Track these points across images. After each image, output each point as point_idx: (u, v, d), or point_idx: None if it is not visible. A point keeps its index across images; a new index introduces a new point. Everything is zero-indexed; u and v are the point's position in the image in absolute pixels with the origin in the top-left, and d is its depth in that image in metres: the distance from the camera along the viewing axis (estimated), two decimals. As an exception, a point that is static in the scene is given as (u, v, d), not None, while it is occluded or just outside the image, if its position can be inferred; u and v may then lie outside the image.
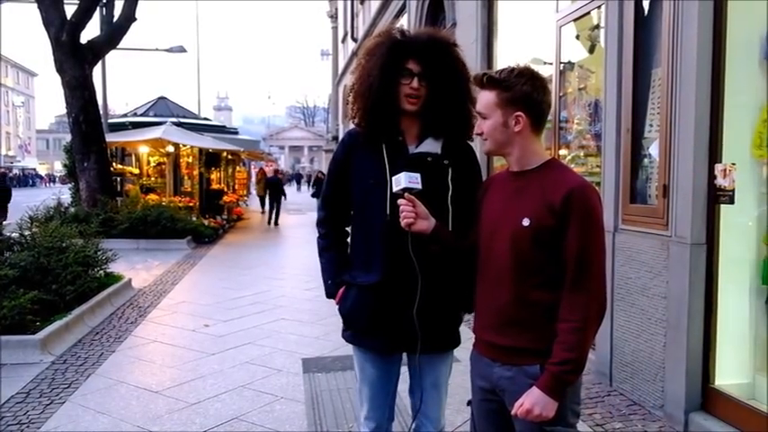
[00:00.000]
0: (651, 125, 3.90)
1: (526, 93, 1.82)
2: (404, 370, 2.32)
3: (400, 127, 2.17)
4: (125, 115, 21.51)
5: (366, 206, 2.19)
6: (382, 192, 2.11)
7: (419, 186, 1.98)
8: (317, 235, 2.38)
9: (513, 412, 1.80)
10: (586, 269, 1.76)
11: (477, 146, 2.23)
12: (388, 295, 2.14)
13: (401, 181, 1.97)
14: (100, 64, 14.14)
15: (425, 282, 2.07)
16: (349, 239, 2.34)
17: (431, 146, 2.17)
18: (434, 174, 2.11)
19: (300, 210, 22.41)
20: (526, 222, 1.80)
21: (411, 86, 2.09)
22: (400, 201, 1.99)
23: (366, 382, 2.28)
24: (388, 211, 2.10)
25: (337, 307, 2.29)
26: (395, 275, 2.12)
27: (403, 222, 1.98)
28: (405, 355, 2.27)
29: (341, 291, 2.26)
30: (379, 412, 2.29)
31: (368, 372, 2.26)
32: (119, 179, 15.32)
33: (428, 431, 2.27)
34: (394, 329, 2.16)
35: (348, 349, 2.39)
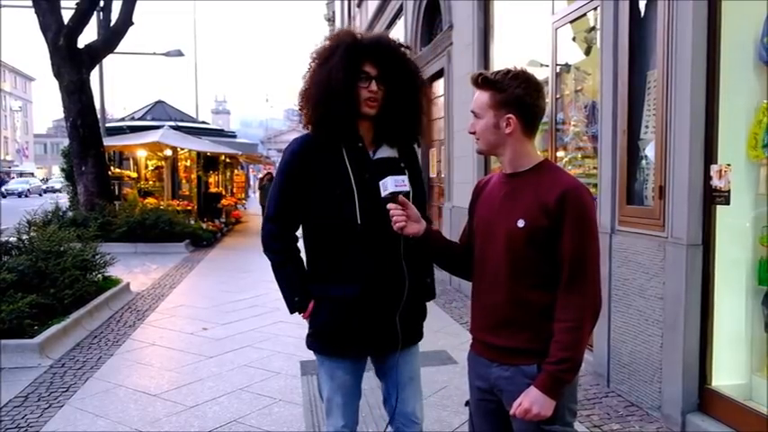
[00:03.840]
0: (647, 126, 3.91)
1: (519, 96, 1.83)
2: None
3: (358, 132, 2.15)
4: (123, 119, 21.47)
5: (334, 216, 2.10)
6: (349, 200, 2.07)
7: (407, 188, 1.97)
8: (270, 251, 2.23)
9: (511, 412, 1.82)
10: (581, 269, 1.77)
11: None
12: (369, 305, 2.11)
13: (388, 185, 1.96)
14: (97, 68, 14.14)
15: (410, 285, 2.10)
16: (303, 253, 2.25)
17: (388, 151, 2.18)
18: None
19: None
20: (521, 223, 1.81)
21: (369, 89, 2.08)
22: (389, 205, 1.97)
23: (339, 391, 2.21)
24: (359, 220, 2.06)
25: (307, 321, 2.22)
26: (375, 284, 2.10)
27: (395, 227, 1.97)
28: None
29: (311, 305, 2.18)
30: (351, 419, 2.26)
31: (340, 380, 2.20)
32: (117, 183, 15.29)
33: (411, 431, 2.27)
34: (372, 336, 2.15)
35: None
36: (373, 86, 2.08)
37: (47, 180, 57.16)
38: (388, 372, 2.25)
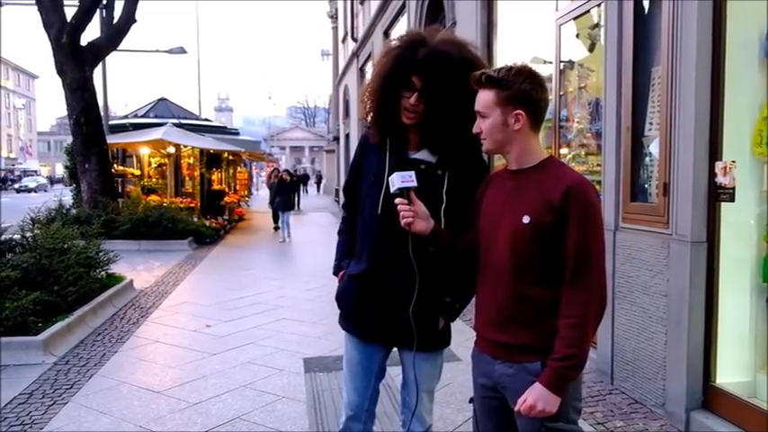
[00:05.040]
0: (651, 123, 3.90)
1: (525, 91, 1.82)
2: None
3: (405, 132, 2.21)
4: (126, 117, 21.51)
5: (365, 202, 2.26)
6: (378, 190, 2.18)
7: (414, 184, 1.99)
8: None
9: (516, 408, 1.81)
10: (586, 265, 1.76)
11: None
12: (371, 288, 2.22)
13: (395, 181, 2.00)
14: (100, 65, 14.15)
15: (421, 282, 2.11)
16: None
17: (426, 155, 2.18)
18: (428, 183, 2.09)
19: (303, 212, 22.37)
20: (526, 219, 1.81)
21: (410, 102, 2.10)
22: (396, 200, 1.99)
23: (347, 366, 2.37)
24: (379, 210, 2.17)
25: None
26: (380, 270, 2.19)
27: (402, 222, 1.98)
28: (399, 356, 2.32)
29: (341, 273, 2.40)
30: (357, 399, 2.33)
31: (349, 354, 2.36)
32: (120, 180, 15.31)
33: (415, 429, 2.30)
34: (376, 321, 2.23)
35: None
36: (413, 99, 2.09)
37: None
38: (404, 368, 2.34)
